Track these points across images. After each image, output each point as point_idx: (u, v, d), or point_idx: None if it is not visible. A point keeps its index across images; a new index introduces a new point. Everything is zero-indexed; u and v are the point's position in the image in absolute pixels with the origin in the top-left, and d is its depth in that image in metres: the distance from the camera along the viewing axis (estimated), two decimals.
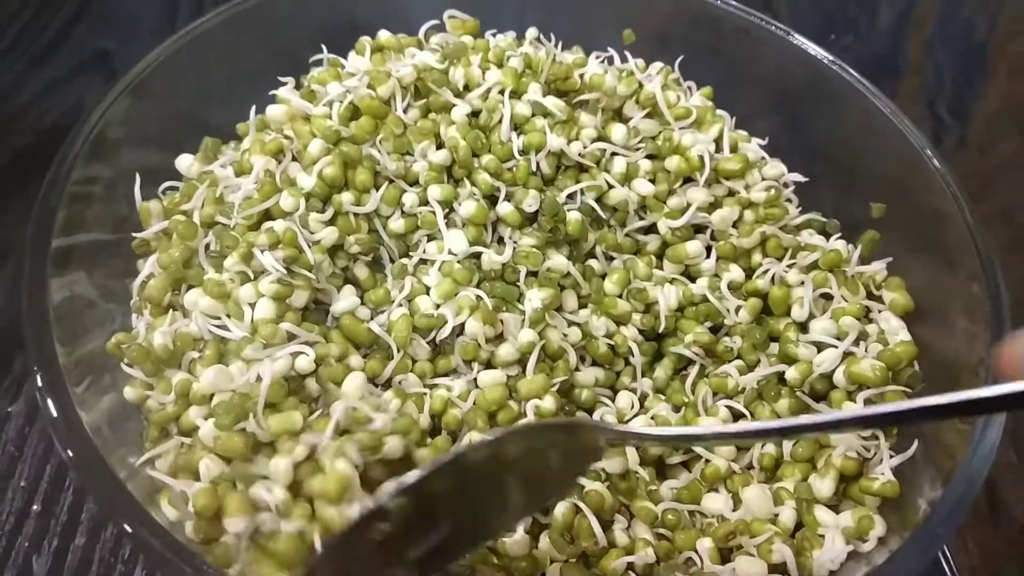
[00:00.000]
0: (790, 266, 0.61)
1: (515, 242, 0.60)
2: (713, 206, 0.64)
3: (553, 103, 0.61)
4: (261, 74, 0.67)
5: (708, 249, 0.63)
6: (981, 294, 0.54)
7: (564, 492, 0.49)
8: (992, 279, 0.54)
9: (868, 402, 0.54)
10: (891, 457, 0.52)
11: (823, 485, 0.52)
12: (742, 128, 0.73)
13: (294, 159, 0.60)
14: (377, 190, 0.58)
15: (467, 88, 0.64)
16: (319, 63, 0.70)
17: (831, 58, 0.68)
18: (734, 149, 0.67)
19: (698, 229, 0.65)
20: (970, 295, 0.56)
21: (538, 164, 0.61)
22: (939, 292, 0.60)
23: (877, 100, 0.66)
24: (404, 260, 0.60)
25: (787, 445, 0.56)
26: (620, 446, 0.53)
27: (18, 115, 0.89)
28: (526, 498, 0.45)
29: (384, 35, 0.72)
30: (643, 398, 0.60)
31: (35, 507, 0.63)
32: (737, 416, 0.58)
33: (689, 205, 0.63)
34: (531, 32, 0.75)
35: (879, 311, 0.60)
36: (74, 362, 0.50)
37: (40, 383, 0.47)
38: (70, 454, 0.45)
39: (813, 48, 0.69)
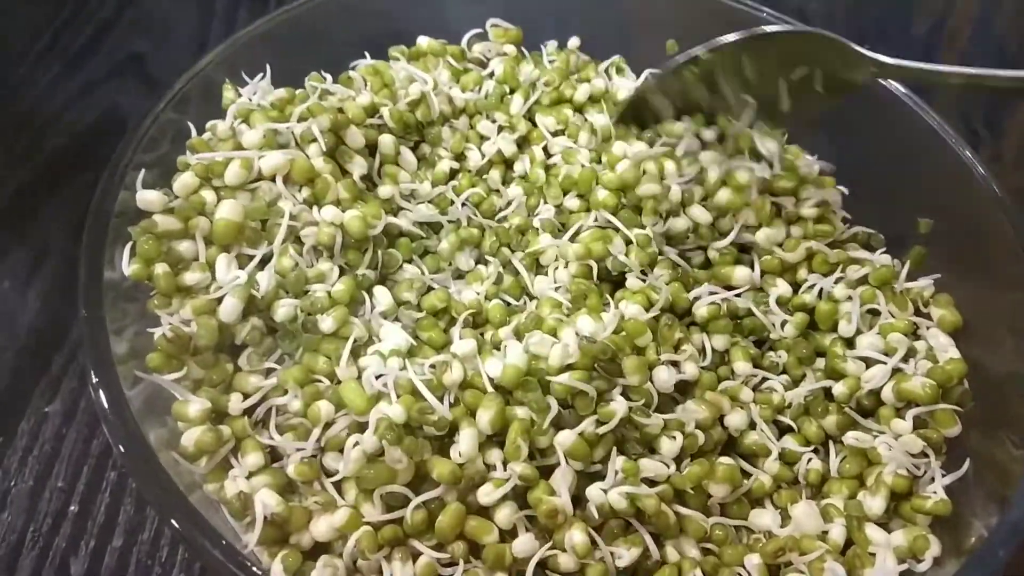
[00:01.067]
0: (837, 281, 0.61)
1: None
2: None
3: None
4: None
5: (751, 264, 0.63)
6: None
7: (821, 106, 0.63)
8: None
9: (918, 419, 0.53)
10: (943, 476, 0.52)
11: (874, 503, 0.51)
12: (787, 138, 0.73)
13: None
14: None
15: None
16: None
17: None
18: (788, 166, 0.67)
19: (743, 248, 0.65)
20: (1019, 309, 0.56)
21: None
22: (987, 307, 0.59)
23: (923, 112, 0.66)
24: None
25: (834, 462, 0.55)
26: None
27: (53, 118, 0.90)
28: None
29: (424, 41, 0.72)
30: None
31: (72, 508, 0.63)
32: (784, 430, 0.57)
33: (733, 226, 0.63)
34: (573, 41, 0.75)
35: (927, 328, 0.59)
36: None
37: (95, 379, 0.47)
38: (121, 449, 0.46)
39: None
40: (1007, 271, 0.57)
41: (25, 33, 0.98)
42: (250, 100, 0.62)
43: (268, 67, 0.65)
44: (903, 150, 0.68)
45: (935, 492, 0.51)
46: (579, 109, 0.71)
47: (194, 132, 0.61)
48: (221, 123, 0.60)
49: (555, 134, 0.70)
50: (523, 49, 0.75)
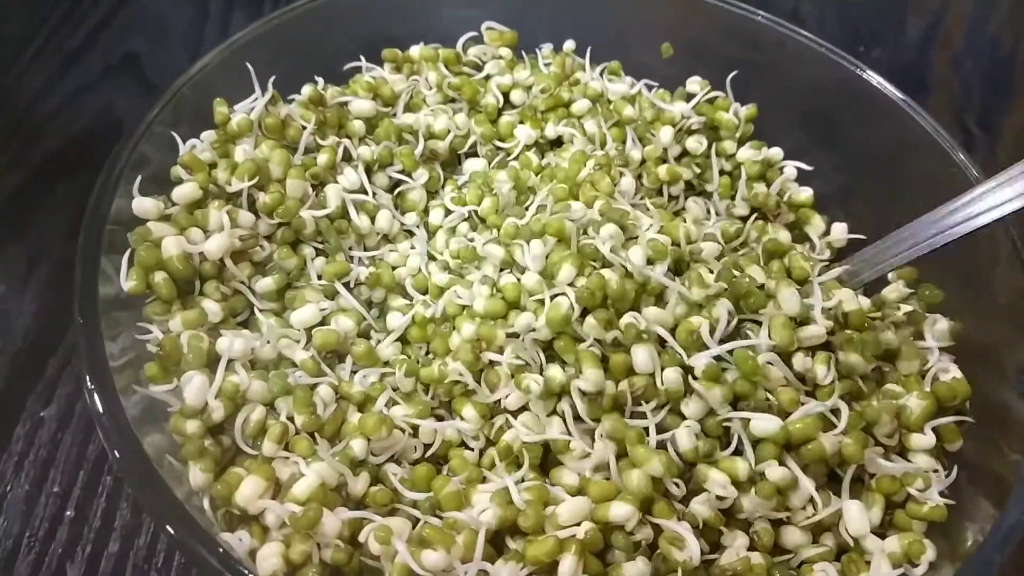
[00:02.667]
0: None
1: None
2: None
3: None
4: (300, 86, 0.68)
5: None
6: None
7: None
8: None
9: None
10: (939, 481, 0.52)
11: (872, 514, 0.51)
12: (777, 143, 0.73)
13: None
14: None
15: None
16: (357, 70, 0.71)
17: (869, 72, 0.69)
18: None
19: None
20: (1014, 315, 0.56)
21: None
22: (982, 312, 0.60)
23: (917, 116, 0.66)
24: None
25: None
26: None
27: (48, 119, 0.90)
28: None
29: (415, 50, 0.72)
30: None
31: (69, 513, 0.63)
32: None
33: None
34: (568, 44, 0.75)
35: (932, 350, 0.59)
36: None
37: (90, 385, 0.47)
38: (116, 454, 0.46)
39: (849, 60, 0.69)
40: (1002, 276, 0.57)
41: (20, 34, 0.97)
42: (249, 113, 0.63)
43: (258, 87, 0.64)
44: (898, 153, 0.68)
45: (930, 498, 0.51)
46: (579, 117, 0.71)
47: (181, 145, 0.61)
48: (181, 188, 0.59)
49: (552, 141, 0.71)
50: (520, 52, 0.76)
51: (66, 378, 0.70)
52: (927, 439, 0.53)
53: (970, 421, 0.54)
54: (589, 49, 0.75)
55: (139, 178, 0.56)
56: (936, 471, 0.53)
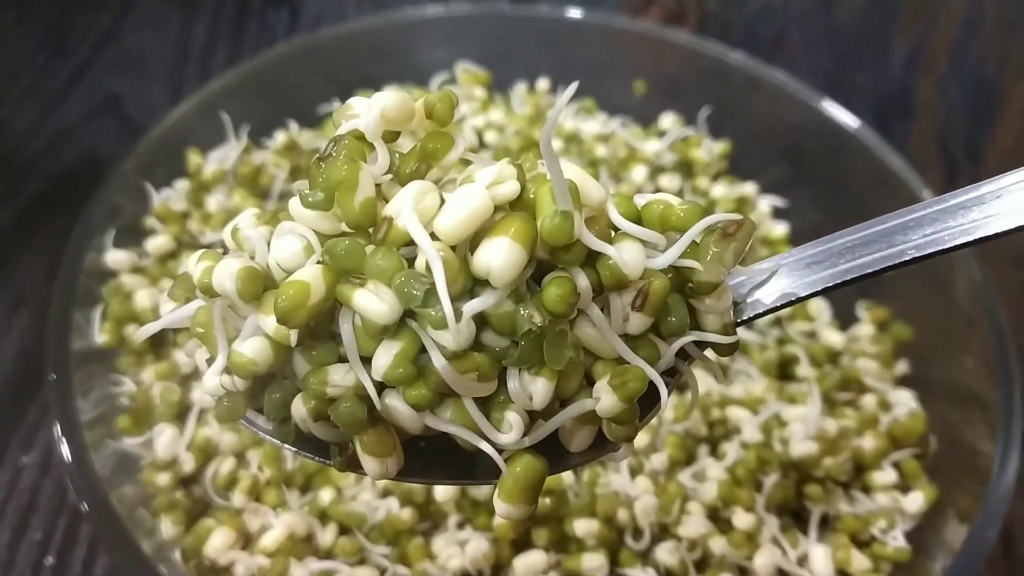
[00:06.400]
0: None
1: None
2: None
3: None
4: (276, 128, 0.69)
5: None
6: (988, 345, 0.55)
7: None
8: (998, 331, 0.55)
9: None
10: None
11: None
12: (752, 179, 0.74)
13: None
14: None
15: None
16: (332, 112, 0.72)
17: (840, 114, 0.69)
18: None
19: None
20: (976, 348, 0.56)
21: None
22: (946, 347, 0.60)
23: (884, 152, 0.66)
24: None
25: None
26: None
27: (32, 160, 0.90)
28: None
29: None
30: None
31: (50, 559, 0.63)
32: None
33: None
34: (542, 84, 0.76)
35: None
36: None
37: (60, 437, 0.49)
38: (85, 507, 0.47)
39: (825, 102, 0.70)
40: (965, 306, 0.58)
41: (6, 75, 0.98)
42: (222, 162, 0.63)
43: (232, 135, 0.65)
44: (870, 189, 0.68)
45: (895, 538, 0.51)
46: None
47: (154, 195, 0.61)
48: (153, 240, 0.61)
49: None
50: (494, 90, 0.76)
51: (47, 424, 0.70)
52: (887, 475, 0.54)
53: (919, 453, 0.55)
54: (560, 87, 0.76)
55: (113, 231, 0.56)
56: (900, 511, 0.53)
